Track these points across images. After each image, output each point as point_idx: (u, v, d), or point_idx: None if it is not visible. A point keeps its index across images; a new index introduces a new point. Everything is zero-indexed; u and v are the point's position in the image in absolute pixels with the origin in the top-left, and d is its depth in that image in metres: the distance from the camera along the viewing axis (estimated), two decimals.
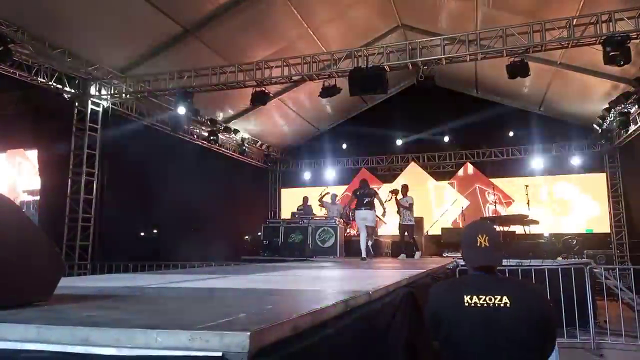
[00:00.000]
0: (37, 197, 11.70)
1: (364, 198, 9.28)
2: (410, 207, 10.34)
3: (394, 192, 10.53)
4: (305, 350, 1.51)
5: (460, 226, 14.50)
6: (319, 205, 13.16)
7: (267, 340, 1.32)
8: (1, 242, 1.72)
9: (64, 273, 2.11)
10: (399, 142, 17.23)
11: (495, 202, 15.24)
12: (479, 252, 2.31)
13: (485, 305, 2.18)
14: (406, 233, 10.41)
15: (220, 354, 1.21)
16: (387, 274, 4.53)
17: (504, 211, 15.30)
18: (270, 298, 2.44)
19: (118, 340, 1.29)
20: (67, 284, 2.84)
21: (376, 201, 9.67)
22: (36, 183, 11.67)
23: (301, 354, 1.47)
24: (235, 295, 2.62)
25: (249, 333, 1.22)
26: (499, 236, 2.48)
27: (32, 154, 12.03)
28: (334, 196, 13.01)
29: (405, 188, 10.64)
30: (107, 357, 1.29)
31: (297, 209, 13.44)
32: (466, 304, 2.20)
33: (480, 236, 2.31)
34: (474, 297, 2.19)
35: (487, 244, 2.29)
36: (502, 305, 2.17)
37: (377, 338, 2.42)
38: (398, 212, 10.49)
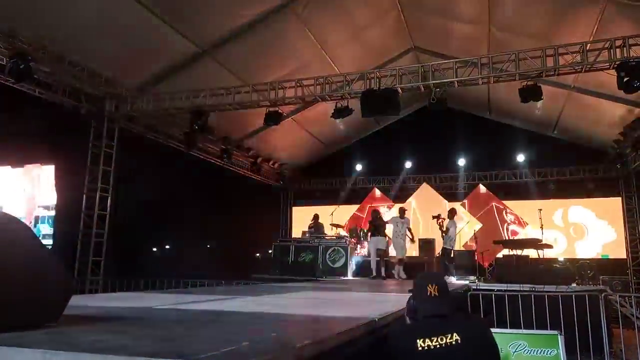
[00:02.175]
0: (53, 212, 11.87)
1: (378, 228, 10.87)
2: (446, 232, 10.73)
3: (437, 217, 10.95)
4: None
5: (474, 248, 14.33)
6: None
7: None
8: (11, 265, 1.76)
9: (71, 295, 2.14)
10: (409, 163, 17.25)
11: (514, 222, 15.09)
12: (429, 301, 2.41)
13: (437, 346, 2.25)
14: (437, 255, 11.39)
15: None
16: (394, 298, 4.49)
17: (521, 231, 15.13)
18: (276, 324, 2.45)
19: None
20: (77, 302, 2.87)
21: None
22: (52, 198, 11.85)
23: None
24: (242, 319, 2.63)
25: None
26: (447, 286, 2.59)
27: (49, 170, 12.24)
28: (402, 210, 11.63)
29: (451, 212, 11.04)
30: None
31: (308, 227, 13.42)
32: (419, 348, 2.26)
33: (430, 286, 2.43)
34: (427, 340, 2.26)
35: (437, 293, 2.41)
36: (453, 342, 2.25)
37: None
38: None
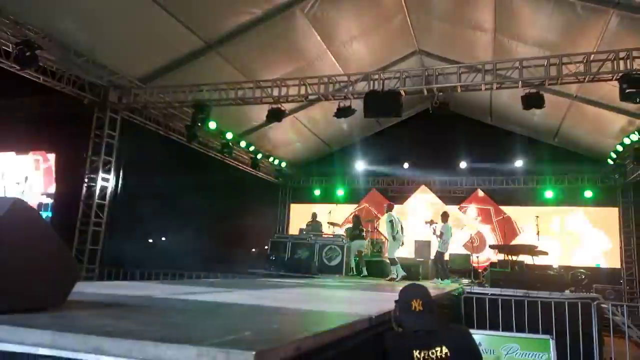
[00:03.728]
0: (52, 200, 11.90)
1: (361, 233, 11.82)
2: (440, 236, 10.43)
3: (430, 222, 10.82)
4: None
5: (470, 252, 14.38)
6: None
7: None
8: (21, 250, 1.80)
9: (78, 280, 2.19)
10: (407, 165, 17.31)
11: (505, 229, 15.16)
12: (414, 316, 2.45)
13: (429, 359, 2.34)
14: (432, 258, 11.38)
15: None
16: (391, 297, 4.55)
17: (516, 236, 15.19)
18: (276, 317, 2.50)
19: (130, 350, 1.36)
20: (78, 289, 2.91)
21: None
22: (53, 186, 11.88)
23: None
24: (242, 311, 2.68)
25: (254, 352, 1.28)
26: (432, 298, 2.62)
27: (52, 158, 12.27)
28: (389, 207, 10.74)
29: (443, 216, 10.81)
30: None
31: (307, 225, 13.46)
32: (416, 359, 2.34)
33: (415, 301, 2.46)
34: (422, 352, 2.34)
35: (422, 308, 2.45)
36: (443, 356, 2.34)
37: None
38: None
